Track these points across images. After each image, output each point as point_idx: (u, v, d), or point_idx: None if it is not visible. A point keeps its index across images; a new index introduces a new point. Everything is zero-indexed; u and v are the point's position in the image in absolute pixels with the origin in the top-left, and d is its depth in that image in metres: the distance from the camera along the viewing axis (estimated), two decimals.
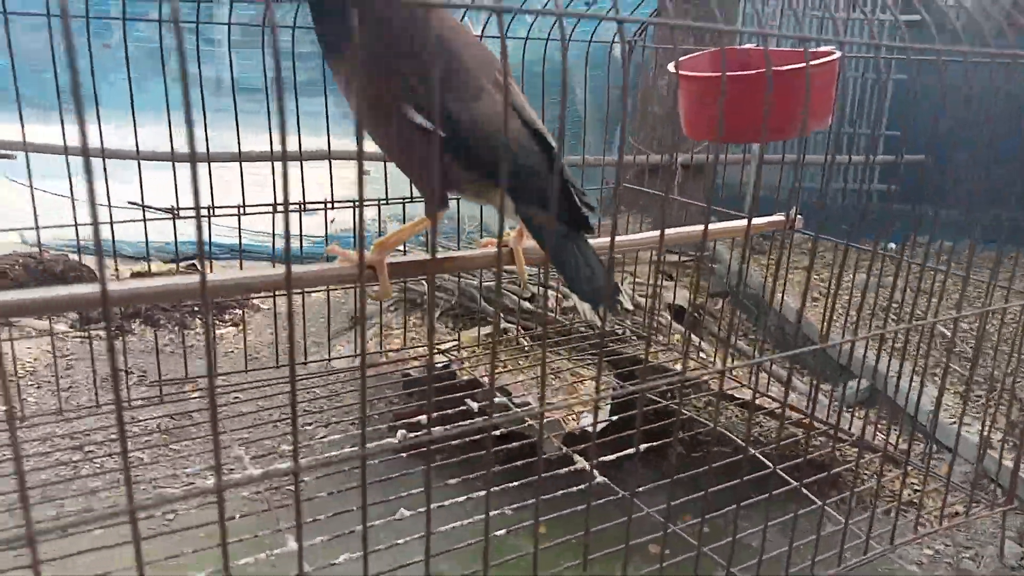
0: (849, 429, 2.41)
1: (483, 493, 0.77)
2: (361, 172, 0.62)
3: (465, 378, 2.44)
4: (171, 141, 1.80)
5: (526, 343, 2.76)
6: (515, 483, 1.42)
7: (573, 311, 2.91)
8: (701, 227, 1.34)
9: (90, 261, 4.51)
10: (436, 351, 2.62)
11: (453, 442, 1.58)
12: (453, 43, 1.08)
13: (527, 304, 2.95)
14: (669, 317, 3.06)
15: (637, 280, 3.25)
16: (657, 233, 1.35)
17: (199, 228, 0.57)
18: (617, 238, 1.29)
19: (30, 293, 0.77)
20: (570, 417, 2.38)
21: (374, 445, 1.27)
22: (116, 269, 4.66)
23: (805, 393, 3.00)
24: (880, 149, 5.15)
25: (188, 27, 2.20)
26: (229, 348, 3.70)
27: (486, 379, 2.45)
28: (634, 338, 2.86)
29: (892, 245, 3.64)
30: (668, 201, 4.31)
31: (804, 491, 1.44)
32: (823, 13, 4.81)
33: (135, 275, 4.47)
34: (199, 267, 0.65)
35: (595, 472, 1.49)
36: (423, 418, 1.99)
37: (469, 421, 1.67)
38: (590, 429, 2.25)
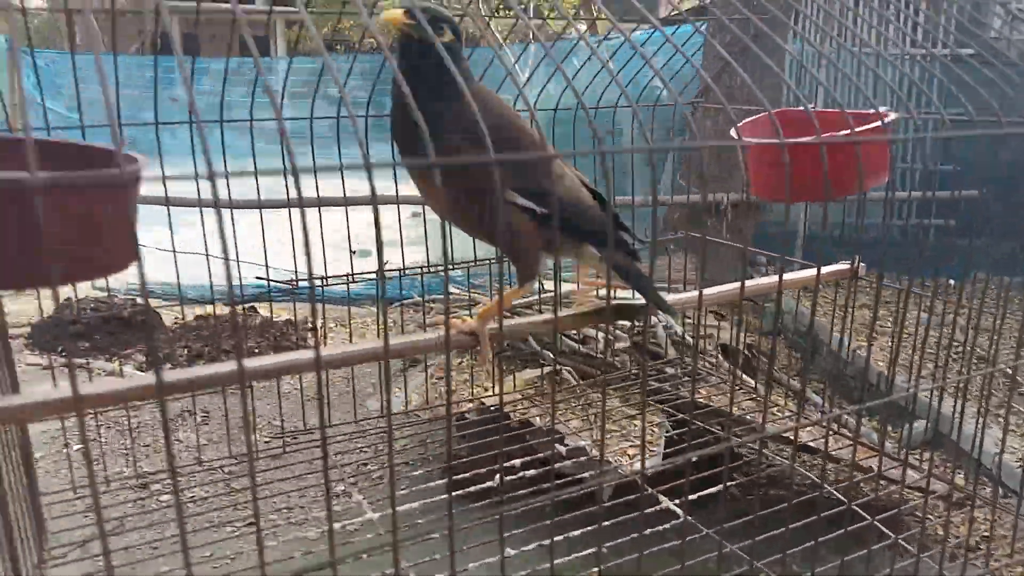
0: (901, 468, 2.35)
1: (547, 541, 0.79)
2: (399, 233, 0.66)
3: (518, 420, 2.46)
4: (258, 190, 1.89)
5: (577, 383, 2.77)
6: (577, 531, 1.43)
7: (623, 352, 2.92)
8: (770, 279, 1.35)
9: (154, 303, 4.68)
10: (491, 395, 2.66)
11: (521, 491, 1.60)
12: (527, 130, 1.26)
13: (577, 346, 2.97)
14: (720, 356, 3.04)
15: (689, 320, 3.24)
16: (730, 287, 1.36)
17: (312, 302, 0.61)
18: (688, 294, 1.32)
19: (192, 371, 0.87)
20: (624, 459, 2.38)
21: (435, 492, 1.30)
22: (182, 312, 4.84)
23: (865, 435, 2.94)
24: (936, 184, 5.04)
25: (237, 79, 2.32)
26: (289, 390, 3.78)
27: (538, 421, 2.47)
28: (686, 379, 2.84)
29: (952, 282, 3.56)
30: (715, 245, 4.28)
31: (877, 524, 1.41)
32: (875, 68, 4.78)
33: (198, 318, 4.63)
34: (257, 310, 0.71)
35: (680, 512, 1.49)
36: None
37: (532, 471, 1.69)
38: (648, 473, 2.25)
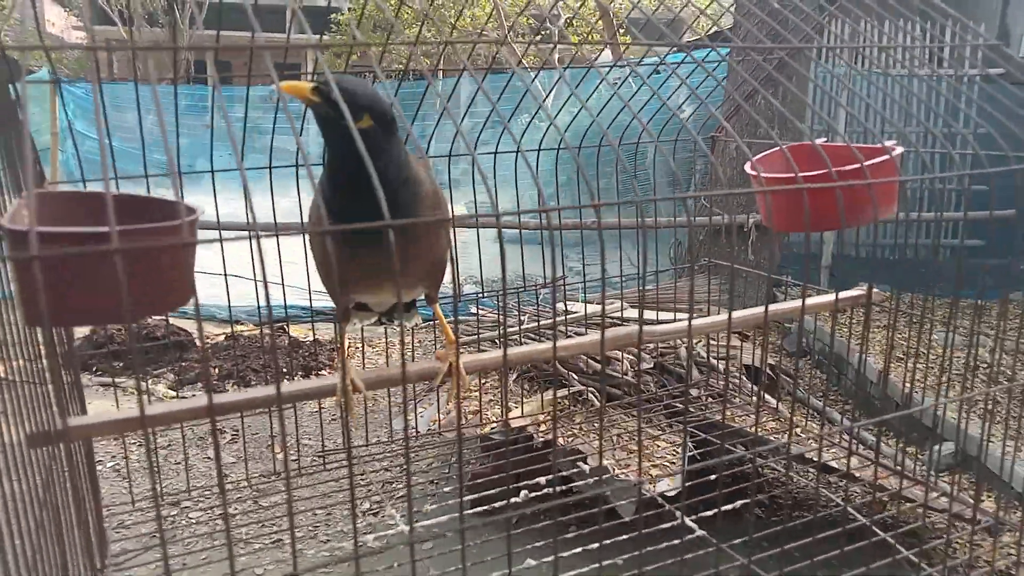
0: (923, 489, 2.33)
1: (565, 554, 0.81)
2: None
3: (542, 440, 2.48)
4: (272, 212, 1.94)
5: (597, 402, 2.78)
6: (594, 544, 1.44)
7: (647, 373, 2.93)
8: (793, 304, 1.38)
9: (186, 325, 4.79)
10: (514, 415, 2.68)
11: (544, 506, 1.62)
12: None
13: (600, 367, 2.98)
14: (743, 378, 3.04)
15: (713, 341, 3.25)
16: (755, 311, 1.38)
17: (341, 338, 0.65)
18: (715, 318, 1.34)
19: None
20: (647, 480, 2.39)
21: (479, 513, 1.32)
22: (209, 332, 4.93)
23: (891, 456, 2.91)
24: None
25: (272, 105, 2.39)
26: (314, 409, 3.84)
27: (561, 441, 2.49)
28: (710, 399, 2.85)
29: (979, 302, 3.53)
30: (742, 260, 4.28)
31: (893, 543, 1.41)
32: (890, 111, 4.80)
33: (228, 337, 4.72)
34: (286, 330, 0.76)
35: (691, 525, 1.51)
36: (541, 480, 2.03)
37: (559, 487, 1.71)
38: (670, 493, 2.25)
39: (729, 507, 1.66)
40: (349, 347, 1.18)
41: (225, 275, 2.25)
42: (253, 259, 0.71)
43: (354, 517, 0.81)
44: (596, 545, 1.07)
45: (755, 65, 4.08)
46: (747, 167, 1.40)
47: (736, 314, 1.40)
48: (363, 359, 3.45)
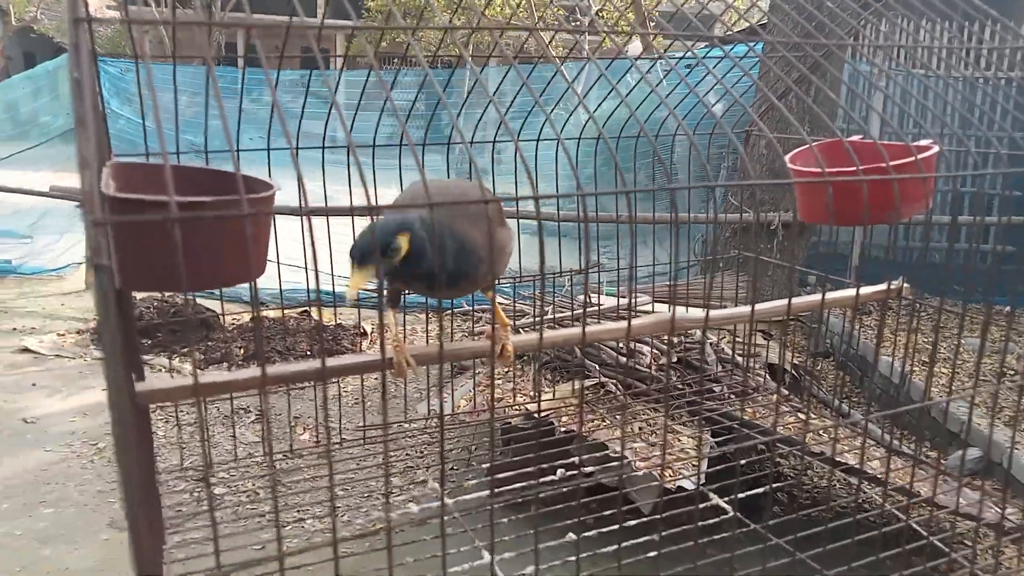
0: (943, 490, 2.31)
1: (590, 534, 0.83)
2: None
3: (563, 430, 2.49)
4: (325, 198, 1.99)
5: (621, 395, 2.79)
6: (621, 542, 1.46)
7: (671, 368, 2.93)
8: (815, 297, 1.38)
9: (212, 305, 4.85)
10: (535, 401, 2.70)
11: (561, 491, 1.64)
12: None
13: (623, 359, 2.99)
14: (766, 376, 3.03)
15: (738, 339, 3.24)
16: (778, 303, 1.39)
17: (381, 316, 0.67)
18: (737, 309, 1.34)
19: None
20: (667, 475, 2.40)
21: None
22: (235, 315, 4.99)
23: (913, 458, 2.89)
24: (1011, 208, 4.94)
25: (302, 90, 2.42)
26: (338, 392, 3.88)
27: (583, 432, 2.50)
28: (731, 396, 2.84)
29: (1007, 309, 3.49)
30: (766, 263, 4.26)
31: (944, 548, 1.41)
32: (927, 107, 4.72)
33: (252, 319, 4.78)
34: (311, 313, 0.80)
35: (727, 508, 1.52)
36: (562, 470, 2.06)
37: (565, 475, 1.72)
38: (689, 487, 2.26)
39: (748, 493, 1.67)
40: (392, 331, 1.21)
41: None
42: (303, 239, 0.73)
43: (387, 485, 0.83)
44: (616, 528, 1.08)
45: (788, 63, 4.05)
46: (787, 159, 1.43)
47: (759, 306, 1.40)
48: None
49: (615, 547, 1.30)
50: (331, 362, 1.02)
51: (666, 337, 2.82)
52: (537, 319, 3.08)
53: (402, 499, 2.46)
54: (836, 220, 1.43)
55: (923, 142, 1.38)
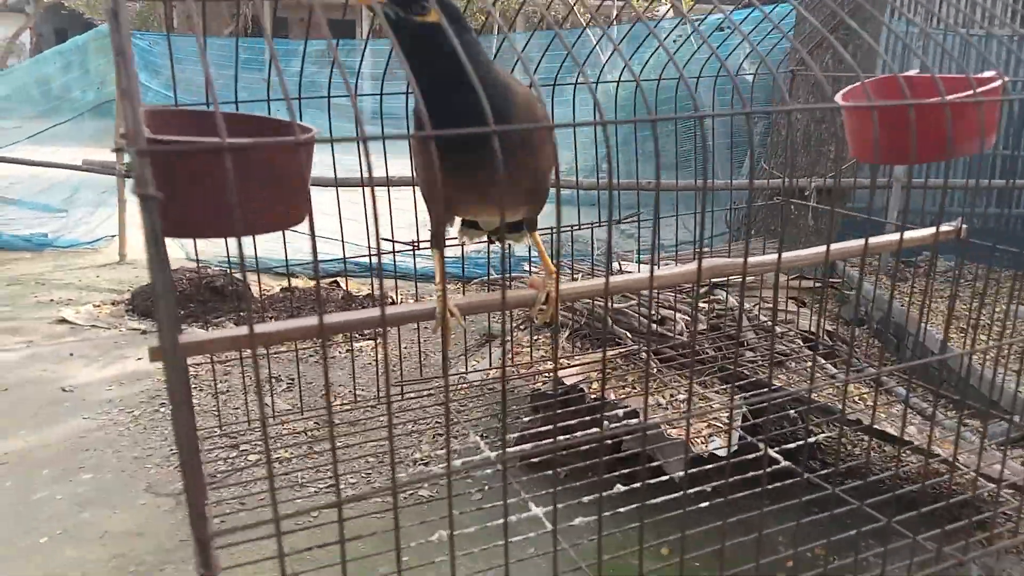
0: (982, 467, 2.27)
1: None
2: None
3: (593, 397, 2.48)
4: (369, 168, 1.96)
5: (655, 366, 2.77)
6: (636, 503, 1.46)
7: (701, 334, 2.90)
8: (857, 242, 1.30)
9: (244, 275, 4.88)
10: (563, 367, 2.69)
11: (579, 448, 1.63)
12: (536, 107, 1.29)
13: (655, 327, 2.97)
14: (800, 343, 2.98)
15: (766, 304, 3.20)
16: (814, 251, 1.34)
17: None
18: (765, 256, 1.29)
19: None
20: (698, 440, 2.38)
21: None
22: (266, 284, 5.02)
23: (952, 429, 2.84)
24: None
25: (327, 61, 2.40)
26: (368, 361, 3.91)
27: (614, 398, 2.49)
28: (764, 363, 2.81)
29: None
30: (802, 225, 4.17)
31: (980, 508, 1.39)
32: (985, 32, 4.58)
33: (284, 290, 4.82)
34: (339, 284, 0.79)
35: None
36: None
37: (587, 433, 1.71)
38: (719, 453, 2.24)
39: (790, 446, 1.65)
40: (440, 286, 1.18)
41: (393, 240, 2.28)
42: (365, 206, 0.71)
43: (448, 431, 0.83)
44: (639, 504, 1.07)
45: (827, 12, 3.93)
46: (838, 97, 1.39)
47: (791, 254, 1.31)
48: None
49: (650, 503, 1.29)
50: (390, 310, 1.00)
51: (695, 293, 2.79)
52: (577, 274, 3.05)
53: (442, 453, 2.51)
54: (883, 156, 1.37)
55: (987, 73, 1.30)
